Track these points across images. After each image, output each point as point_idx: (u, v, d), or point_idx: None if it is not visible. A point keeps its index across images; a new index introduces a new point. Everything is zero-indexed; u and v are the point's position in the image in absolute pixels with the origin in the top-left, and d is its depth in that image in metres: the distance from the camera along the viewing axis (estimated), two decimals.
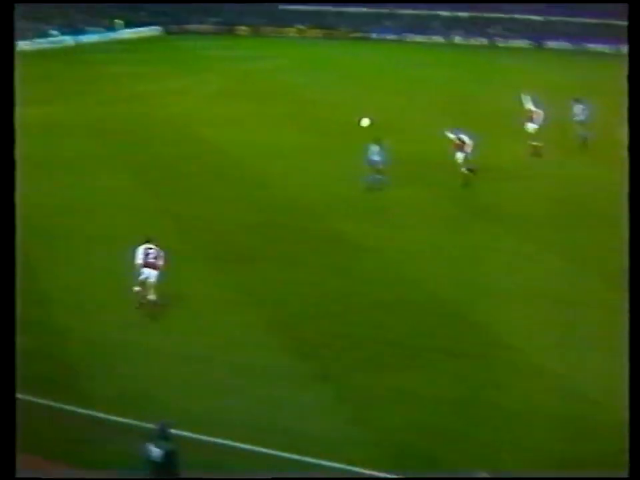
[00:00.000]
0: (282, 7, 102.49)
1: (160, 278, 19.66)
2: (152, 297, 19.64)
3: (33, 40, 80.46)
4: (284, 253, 24.29)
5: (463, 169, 30.33)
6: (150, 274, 19.56)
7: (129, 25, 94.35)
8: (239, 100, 51.31)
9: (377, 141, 30.09)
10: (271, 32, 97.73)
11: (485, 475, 11.93)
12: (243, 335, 18.92)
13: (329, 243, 25.27)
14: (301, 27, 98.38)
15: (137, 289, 19.67)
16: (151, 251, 19.68)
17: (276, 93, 54.86)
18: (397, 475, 13.81)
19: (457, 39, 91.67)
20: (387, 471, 13.93)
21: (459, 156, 30.38)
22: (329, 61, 74.95)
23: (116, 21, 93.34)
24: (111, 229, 25.94)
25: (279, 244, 25.08)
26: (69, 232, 25.87)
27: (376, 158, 29.91)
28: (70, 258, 23.79)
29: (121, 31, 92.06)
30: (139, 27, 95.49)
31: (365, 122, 30.93)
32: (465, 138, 30.33)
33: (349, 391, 16.69)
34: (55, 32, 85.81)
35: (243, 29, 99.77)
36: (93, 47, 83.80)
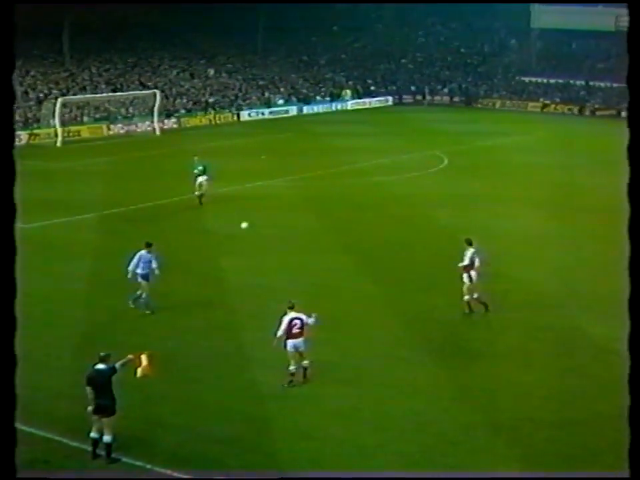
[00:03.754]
0: (524, 78, 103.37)
1: (308, 345, 21.38)
2: (305, 362, 21.48)
3: (256, 109, 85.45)
4: (514, 350, 24.27)
5: None
6: (298, 344, 21.16)
7: (357, 94, 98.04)
8: (469, 179, 51.81)
9: None
10: (511, 105, 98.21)
11: None
12: (464, 437, 19.01)
13: (568, 342, 25.00)
14: (546, 101, 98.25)
15: (292, 368, 21.30)
16: (296, 321, 21.05)
17: (511, 173, 55.10)
18: None
19: None
20: None
21: None
22: (574, 140, 74.16)
23: (344, 90, 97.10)
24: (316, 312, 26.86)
25: (508, 339, 25.11)
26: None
27: None
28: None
29: (348, 102, 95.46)
30: (367, 97, 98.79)
31: (244, 225, 32.75)
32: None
33: None
34: (280, 101, 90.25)
35: (479, 101, 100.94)
36: (318, 117, 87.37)
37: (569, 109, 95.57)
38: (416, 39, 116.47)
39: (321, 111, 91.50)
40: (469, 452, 18.36)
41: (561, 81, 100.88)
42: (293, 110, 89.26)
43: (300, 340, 21.14)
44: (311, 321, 21.22)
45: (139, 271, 26.28)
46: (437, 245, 36.01)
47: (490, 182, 51.20)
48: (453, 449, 18.44)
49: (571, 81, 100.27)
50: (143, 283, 26.38)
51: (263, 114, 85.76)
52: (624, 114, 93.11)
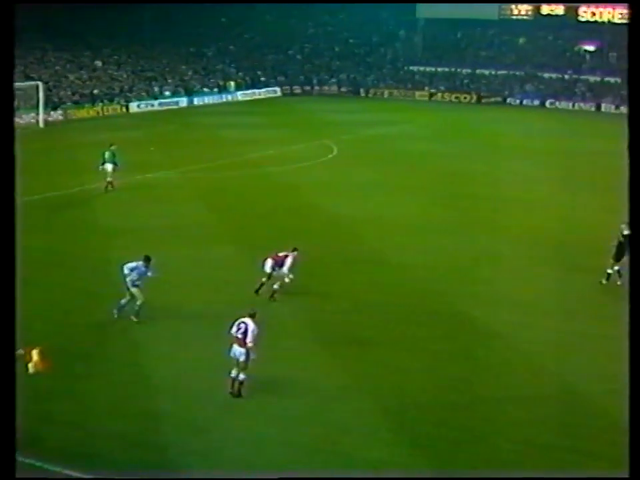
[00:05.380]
0: (411, 67, 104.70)
1: (250, 357, 20.16)
2: (241, 376, 20.11)
3: (145, 101, 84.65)
4: (402, 337, 24.59)
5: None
6: (237, 352, 20.04)
7: (246, 85, 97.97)
8: (358, 168, 52.36)
9: None
10: (399, 95, 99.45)
11: None
12: (354, 425, 19.21)
13: (451, 327, 25.48)
14: (432, 90, 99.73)
15: (232, 374, 20.27)
16: (242, 325, 20.13)
17: (399, 161, 55.92)
18: None
19: (607, 107, 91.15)
20: None
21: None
22: (460, 128, 75.76)
23: (228, 82, 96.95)
24: (209, 305, 26.90)
25: (397, 326, 25.38)
26: (175, 307, 26.86)
27: None
28: (175, 337, 24.70)
29: (237, 93, 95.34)
30: (257, 88, 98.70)
31: None
32: None
33: None
34: (167, 92, 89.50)
35: (367, 91, 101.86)
36: (208, 108, 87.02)
37: (456, 97, 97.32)
38: (304, 30, 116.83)
39: (210, 102, 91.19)
40: (359, 438, 18.51)
41: (447, 69, 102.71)
42: (183, 101, 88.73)
43: (240, 349, 19.94)
44: (249, 340, 19.88)
45: (129, 279, 24.96)
46: (326, 233, 36.27)
47: (379, 170, 51.83)
48: (343, 436, 18.55)
49: (457, 69, 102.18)
50: (134, 290, 24.99)
51: (152, 105, 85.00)
52: (509, 100, 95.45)
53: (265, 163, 53.80)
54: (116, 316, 25.18)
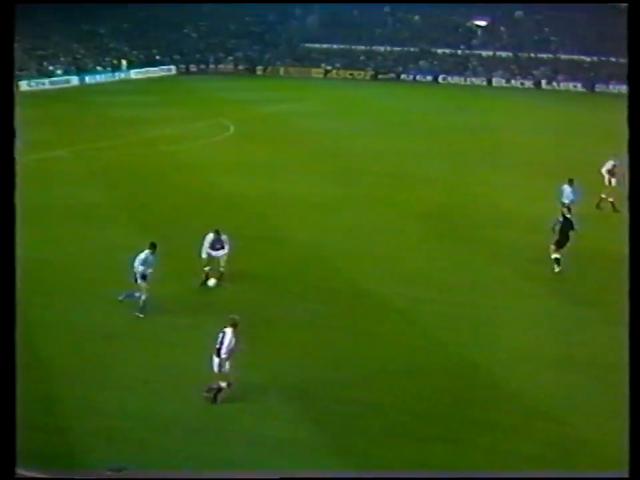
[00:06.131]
0: (307, 45, 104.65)
1: (227, 366, 19.12)
2: (222, 383, 19.16)
3: (36, 80, 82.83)
4: (303, 314, 24.54)
5: None
6: (213, 362, 18.98)
7: (140, 64, 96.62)
8: (255, 146, 52.28)
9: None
10: (295, 72, 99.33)
11: None
12: (255, 403, 19.14)
13: (351, 303, 25.57)
14: (328, 67, 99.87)
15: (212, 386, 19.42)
16: (220, 334, 18.98)
17: (296, 139, 56.03)
18: None
19: (498, 81, 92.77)
20: None
21: None
22: (356, 105, 76.17)
23: (120, 61, 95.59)
24: (100, 285, 26.49)
25: (298, 304, 25.32)
26: (67, 288, 26.33)
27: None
28: (70, 318, 24.22)
29: (131, 71, 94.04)
30: (151, 66, 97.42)
31: None
32: None
33: (370, 464, 16.78)
34: (59, 71, 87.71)
35: (264, 69, 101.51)
36: (101, 87, 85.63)
37: (351, 74, 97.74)
38: (200, 8, 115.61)
39: (103, 81, 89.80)
40: (261, 416, 18.43)
41: (342, 46, 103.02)
42: (75, 80, 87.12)
43: (216, 359, 18.84)
44: (222, 352, 18.74)
45: (140, 272, 23.85)
46: (224, 212, 35.92)
47: (275, 148, 51.76)
48: (245, 415, 18.49)
49: (352, 46, 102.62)
50: (142, 284, 23.96)
51: (43, 84, 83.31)
52: (403, 76, 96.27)
53: (161, 141, 53.23)
54: (120, 298, 24.29)
